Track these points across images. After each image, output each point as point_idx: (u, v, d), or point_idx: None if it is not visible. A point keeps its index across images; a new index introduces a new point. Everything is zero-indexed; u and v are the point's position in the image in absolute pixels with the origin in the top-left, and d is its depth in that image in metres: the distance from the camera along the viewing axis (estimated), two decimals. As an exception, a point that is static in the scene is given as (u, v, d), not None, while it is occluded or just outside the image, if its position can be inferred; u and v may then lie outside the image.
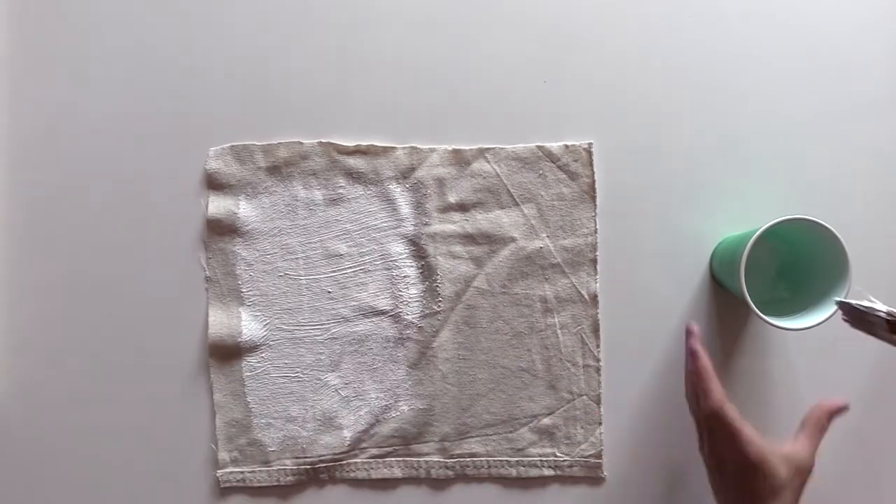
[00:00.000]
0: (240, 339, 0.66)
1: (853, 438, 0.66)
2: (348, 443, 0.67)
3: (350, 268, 0.67)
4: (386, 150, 0.67)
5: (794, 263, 0.65)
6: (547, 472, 0.67)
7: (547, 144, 0.67)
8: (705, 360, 0.57)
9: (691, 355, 0.58)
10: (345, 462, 0.67)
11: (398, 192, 0.67)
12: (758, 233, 0.56)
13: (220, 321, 0.66)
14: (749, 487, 0.54)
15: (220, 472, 0.66)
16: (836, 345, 0.66)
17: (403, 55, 0.68)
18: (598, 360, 0.67)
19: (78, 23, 0.68)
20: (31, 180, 0.67)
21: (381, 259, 0.67)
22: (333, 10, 0.68)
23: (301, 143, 0.67)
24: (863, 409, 0.66)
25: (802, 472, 0.55)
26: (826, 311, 0.56)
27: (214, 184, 0.67)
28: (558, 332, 0.67)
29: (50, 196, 0.67)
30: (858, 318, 0.52)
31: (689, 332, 0.60)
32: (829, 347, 0.66)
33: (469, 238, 0.67)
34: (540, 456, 0.67)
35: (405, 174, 0.67)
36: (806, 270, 0.63)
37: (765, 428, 0.60)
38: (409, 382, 0.67)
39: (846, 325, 0.53)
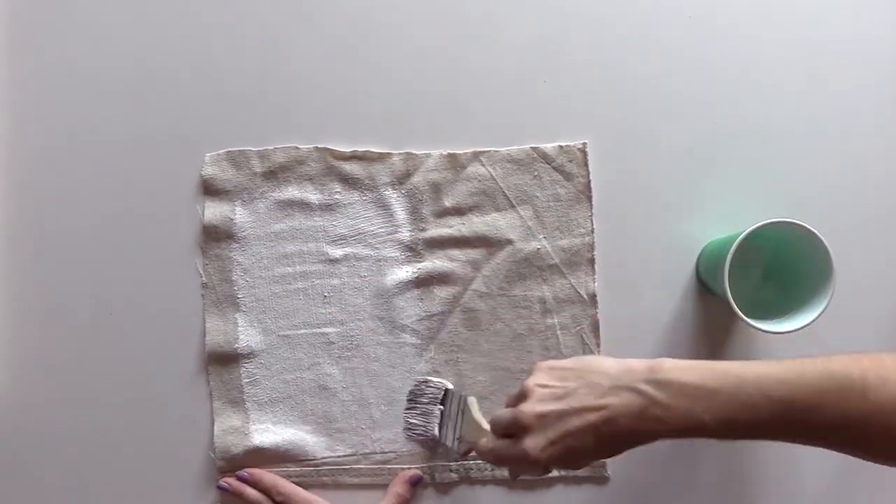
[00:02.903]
0: (237, 346, 0.66)
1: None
2: (350, 447, 0.67)
3: (346, 273, 0.67)
4: (382, 156, 0.67)
5: (780, 266, 0.65)
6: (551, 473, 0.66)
7: (541, 145, 0.67)
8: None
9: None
10: (347, 467, 0.67)
11: (394, 197, 0.67)
12: (741, 236, 0.56)
13: (217, 327, 0.67)
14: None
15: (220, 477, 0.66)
16: (823, 346, 0.66)
17: (398, 61, 0.68)
18: (598, 360, 0.66)
19: (74, 28, 0.68)
20: (28, 184, 0.68)
21: (378, 264, 0.67)
22: (330, 17, 0.68)
23: (297, 149, 0.67)
24: None
25: None
26: (811, 314, 0.57)
27: (210, 189, 0.67)
28: (558, 332, 0.67)
29: (47, 201, 0.68)
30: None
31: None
32: (816, 349, 0.66)
33: (466, 241, 0.67)
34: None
35: (401, 180, 0.67)
36: (792, 273, 0.63)
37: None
38: (408, 386, 0.67)
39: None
